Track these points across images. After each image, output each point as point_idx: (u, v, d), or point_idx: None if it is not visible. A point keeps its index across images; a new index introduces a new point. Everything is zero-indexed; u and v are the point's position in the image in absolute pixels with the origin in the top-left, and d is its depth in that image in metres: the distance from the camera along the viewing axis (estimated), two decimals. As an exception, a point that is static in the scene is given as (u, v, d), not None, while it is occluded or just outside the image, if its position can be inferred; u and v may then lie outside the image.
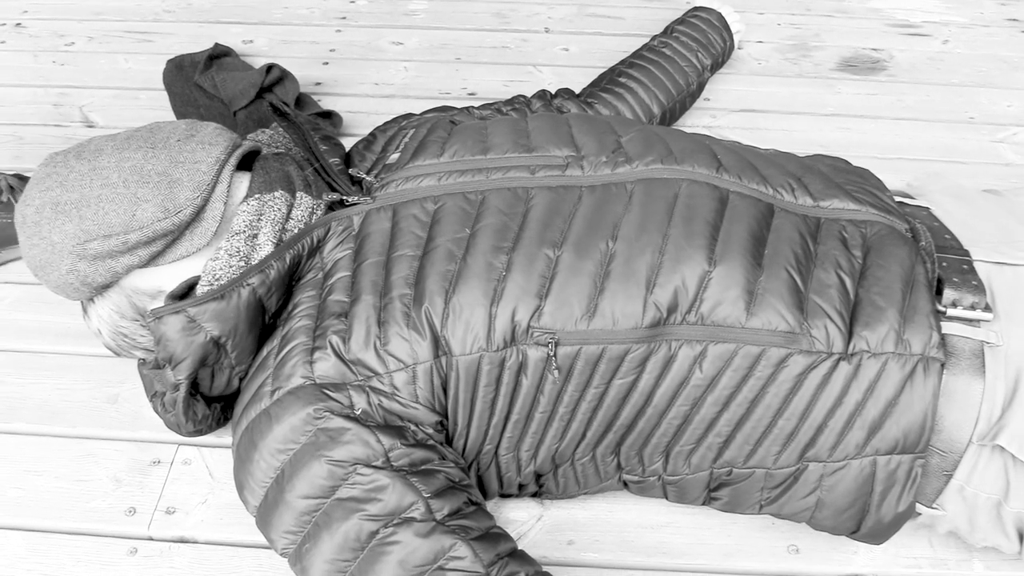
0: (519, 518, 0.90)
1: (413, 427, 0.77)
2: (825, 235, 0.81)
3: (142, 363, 0.93)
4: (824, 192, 0.84)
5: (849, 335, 0.75)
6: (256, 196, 0.83)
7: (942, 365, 0.75)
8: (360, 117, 1.39)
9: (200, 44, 1.52)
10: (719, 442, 0.79)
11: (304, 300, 0.81)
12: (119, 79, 1.48)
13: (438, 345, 0.76)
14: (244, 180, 0.86)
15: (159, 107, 1.41)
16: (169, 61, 1.43)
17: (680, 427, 0.79)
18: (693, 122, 1.37)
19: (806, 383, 0.75)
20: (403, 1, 1.67)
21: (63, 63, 1.52)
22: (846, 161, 0.94)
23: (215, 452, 0.95)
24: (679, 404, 0.77)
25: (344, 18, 1.62)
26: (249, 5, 1.66)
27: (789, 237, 0.79)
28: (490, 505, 0.90)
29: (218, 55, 1.45)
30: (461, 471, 0.79)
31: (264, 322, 0.83)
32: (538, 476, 0.85)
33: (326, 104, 1.42)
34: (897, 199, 0.89)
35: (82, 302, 0.90)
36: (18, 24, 1.62)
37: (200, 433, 0.88)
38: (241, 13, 1.64)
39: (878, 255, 0.79)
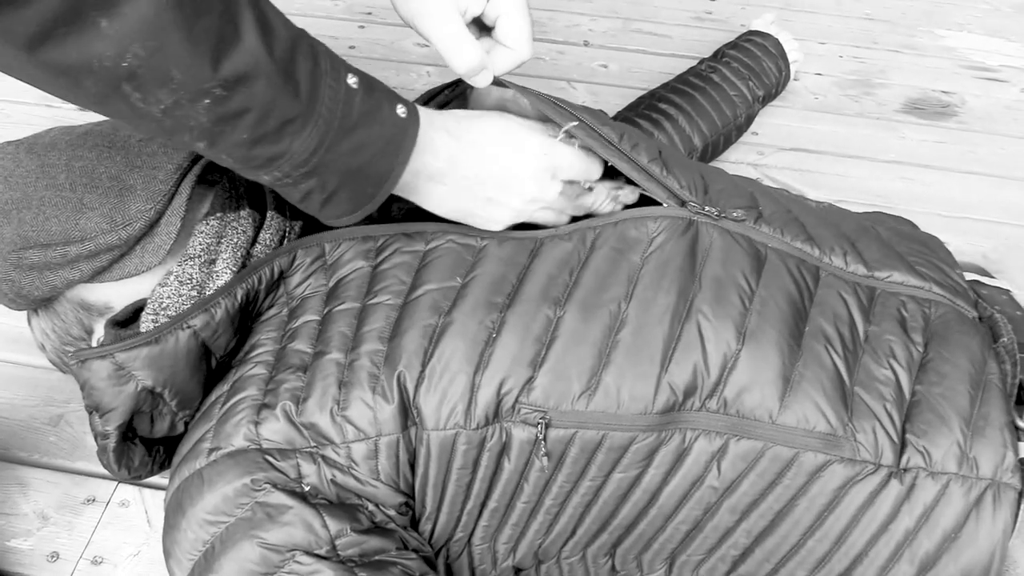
0: (494, 609, 0.78)
1: (371, 507, 0.65)
2: (880, 313, 0.67)
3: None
4: (881, 262, 0.71)
5: (902, 445, 0.62)
6: (218, 215, 0.72)
7: (1019, 494, 0.61)
8: (373, 123, 1.27)
9: (214, 31, 1.42)
10: (734, 555, 0.66)
11: (263, 342, 0.69)
12: (123, 62, 1.39)
13: (407, 415, 0.64)
14: (209, 193, 0.75)
15: (160, 95, 1.30)
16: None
17: (689, 533, 0.66)
18: (737, 158, 1.23)
19: (846, 500, 0.62)
20: (436, 1, 1.55)
21: (67, 40, 1.43)
22: (912, 224, 0.81)
23: (158, 496, 0.84)
24: (689, 507, 0.64)
25: (370, 13, 1.51)
26: (272, -7, 1.55)
27: (835, 312, 0.66)
28: (461, 591, 0.78)
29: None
30: (424, 562, 0.66)
31: (210, 366, 0.71)
32: (517, 571, 0.73)
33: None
34: (971, 278, 0.76)
35: (27, 311, 0.80)
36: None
37: (139, 478, 0.76)
38: (262, 1, 1.54)
39: (943, 344, 0.66)
